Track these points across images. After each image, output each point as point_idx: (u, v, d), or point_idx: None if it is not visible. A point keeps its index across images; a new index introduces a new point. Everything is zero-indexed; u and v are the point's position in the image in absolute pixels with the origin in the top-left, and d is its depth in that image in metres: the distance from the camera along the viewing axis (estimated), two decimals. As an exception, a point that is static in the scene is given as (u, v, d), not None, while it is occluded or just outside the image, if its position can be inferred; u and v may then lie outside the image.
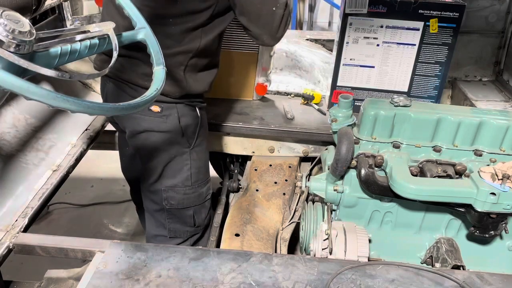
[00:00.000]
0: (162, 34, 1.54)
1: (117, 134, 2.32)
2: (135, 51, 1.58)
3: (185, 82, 1.69)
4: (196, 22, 1.60)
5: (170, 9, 1.57)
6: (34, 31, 0.84)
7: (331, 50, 2.47)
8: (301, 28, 6.11)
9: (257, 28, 1.64)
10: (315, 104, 2.39)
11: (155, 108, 1.69)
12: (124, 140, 2.05)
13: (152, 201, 1.92)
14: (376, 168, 1.53)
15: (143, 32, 1.11)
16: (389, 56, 2.21)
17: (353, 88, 2.29)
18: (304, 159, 2.31)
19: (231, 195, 2.24)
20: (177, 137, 1.76)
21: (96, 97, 2.29)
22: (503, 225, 1.48)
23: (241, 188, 2.18)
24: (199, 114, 1.80)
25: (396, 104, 1.55)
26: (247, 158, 2.33)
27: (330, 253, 1.43)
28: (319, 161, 1.88)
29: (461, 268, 1.43)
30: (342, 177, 1.60)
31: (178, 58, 1.64)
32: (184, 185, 1.85)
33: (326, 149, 1.75)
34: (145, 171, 1.88)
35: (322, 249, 1.45)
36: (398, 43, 2.18)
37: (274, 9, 1.57)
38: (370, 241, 1.47)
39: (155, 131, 1.74)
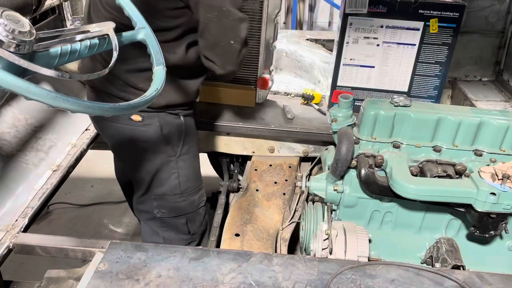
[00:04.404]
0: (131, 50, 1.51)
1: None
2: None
3: (162, 94, 1.67)
4: (164, 38, 1.54)
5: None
6: (34, 31, 0.83)
7: (331, 50, 2.47)
8: (301, 28, 6.11)
9: (211, 55, 1.61)
10: (315, 104, 2.39)
11: (136, 118, 1.68)
12: None
13: (143, 210, 1.93)
14: (376, 168, 1.52)
15: (143, 32, 1.10)
16: (389, 56, 2.21)
17: (353, 88, 2.29)
18: (304, 159, 2.31)
19: (231, 195, 2.24)
20: (161, 146, 1.76)
21: (96, 97, 2.29)
22: (503, 225, 1.47)
23: (241, 188, 2.18)
24: (183, 122, 1.79)
25: (396, 104, 1.55)
26: (247, 158, 2.33)
27: (330, 253, 1.43)
28: (319, 161, 1.88)
29: (461, 268, 1.43)
30: (342, 177, 1.60)
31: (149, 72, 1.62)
32: (173, 194, 1.85)
33: (326, 149, 1.75)
34: (134, 181, 1.89)
35: (322, 249, 1.45)
36: (398, 43, 2.17)
37: (232, 42, 1.57)
38: (370, 241, 1.46)
39: (138, 140, 1.74)
